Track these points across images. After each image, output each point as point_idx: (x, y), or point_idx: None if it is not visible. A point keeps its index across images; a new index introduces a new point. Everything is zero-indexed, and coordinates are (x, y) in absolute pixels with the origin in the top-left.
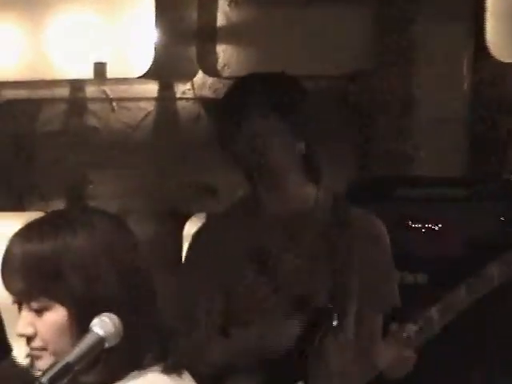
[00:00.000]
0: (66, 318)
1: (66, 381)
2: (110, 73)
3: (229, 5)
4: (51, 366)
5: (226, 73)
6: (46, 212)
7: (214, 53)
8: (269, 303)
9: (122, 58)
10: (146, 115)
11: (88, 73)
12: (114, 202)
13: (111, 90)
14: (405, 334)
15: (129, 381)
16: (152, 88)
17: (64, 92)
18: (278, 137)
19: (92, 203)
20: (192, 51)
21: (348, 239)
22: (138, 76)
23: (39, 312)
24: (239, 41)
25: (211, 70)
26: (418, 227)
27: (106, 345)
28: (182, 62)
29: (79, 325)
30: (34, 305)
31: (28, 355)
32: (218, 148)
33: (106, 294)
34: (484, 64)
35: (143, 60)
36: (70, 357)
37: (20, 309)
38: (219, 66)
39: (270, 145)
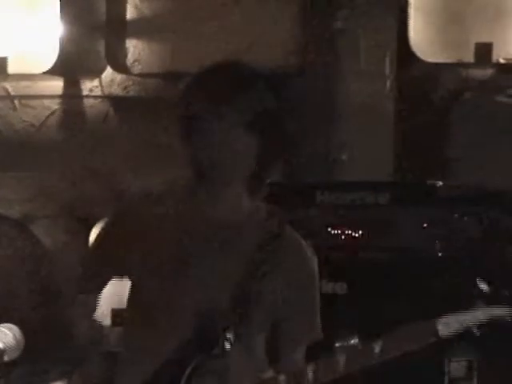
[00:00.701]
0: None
1: None
2: (12, 68)
3: None
4: None
5: (137, 69)
6: None
7: (124, 48)
8: (174, 307)
9: (25, 53)
10: (51, 114)
11: None
12: (16, 206)
13: (13, 87)
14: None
15: None
16: (57, 85)
17: None
18: (235, 142)
19: None
20: (100, 46)
21: (276, 258)
22: (41, 72)
23: None
24: (151, 35)
25: (120, 67)
26: (338, 234)
27: (6, 358)
28: (89, 57)
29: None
30: None
31: None
32: (127, 148)
33: (14, 303)
34: (408, 64)
35: (48, 54)
36: None
37: None
38: (129, 62)
39: (227, 148)
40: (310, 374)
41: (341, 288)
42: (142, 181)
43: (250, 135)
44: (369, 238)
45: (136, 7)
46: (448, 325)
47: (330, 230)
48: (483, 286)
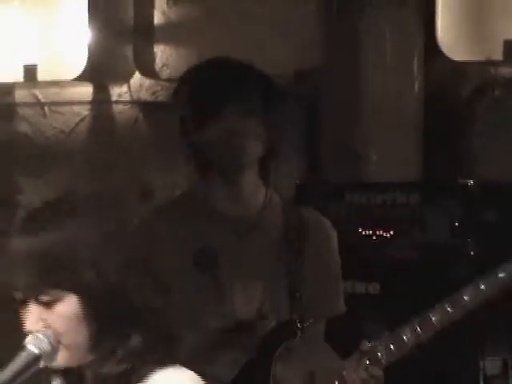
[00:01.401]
0: (78, 308)
1: None
2: (42, 75)
3: (167, 3)
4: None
5: (165, 74)
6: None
7: (152, 53)
8: (211, 307)
9: (54, 60)
10: (81, 120)
11: (18, 76)
12: None
13: (43, 94)
14: (375, 354)
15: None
16: (86, 91)
17: None
18: (248, 137)
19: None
20: (128, 51)
21: (298, 240)
22: (71, 79)
23: (49, 305)
24: (178, 40)
25: (149, 72)
26: (369, 234)
27: (42, 363)
28: (117, 63)
29: (92, 313)
30: (44, 298)
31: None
32: (156, 151)
33: (115, 278)
34: (435, 62)
35: (77, 61)
36: (3, 376)
37: (22, 305)
38: (157, 66)
39: (240, 144)
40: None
41: (374, 288)
42: (167, 184)
43: (249, 123)
44: (400, 238)
45: (163, 12)
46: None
47: (361, 230)
48: None
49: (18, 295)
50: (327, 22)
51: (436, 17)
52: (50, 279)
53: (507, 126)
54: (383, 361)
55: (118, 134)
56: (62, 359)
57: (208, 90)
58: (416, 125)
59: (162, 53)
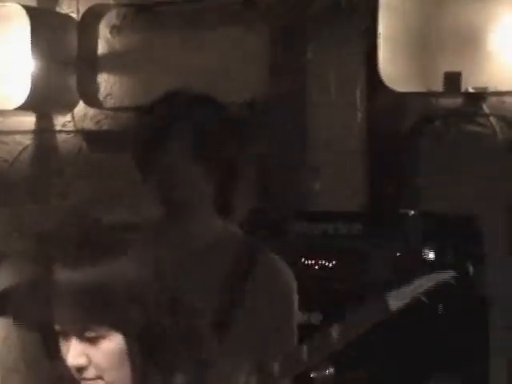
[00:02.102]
0: (123, 345)
1: None
2: None
3: (110, 32)
4: None
5: (109, 103)
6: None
7: (96, 82)
8: None
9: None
10: (24, 149)
11: None
12: None
13: None
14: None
15: None
16: (29, 120)
17: None
18: (194, 169)
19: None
20: (72, 81)
21: (252, 282)
22: (13, 107)
23: (93, 341)
24: (122, 69)
25: (93, 101)
26: (311, 264)
27: None
28: (61, 92)
29: (136, 351)
30: (89, 334)
31: None
32: (101, 181)
33: (159, 316)
34: (378, 94)
35: (19, 90)
36: None
37: (64, 338)
38: (101, 96)
39: (184, 177)
40: (277, 366)
41: (316, 318)
42: (115, 214)
43: (199, 162)
44: (342, 268)
45: (107, 41)
46: (397, 297)
47: (303, 260)
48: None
49: (60, 329)
50: (275, 55)
51: (378, 49)
52: (96, 316)
53: (447, 158)
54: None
55: (61, 163)
56: None
57: (157, 124)
58: (361, 156)
59: (105, 82)
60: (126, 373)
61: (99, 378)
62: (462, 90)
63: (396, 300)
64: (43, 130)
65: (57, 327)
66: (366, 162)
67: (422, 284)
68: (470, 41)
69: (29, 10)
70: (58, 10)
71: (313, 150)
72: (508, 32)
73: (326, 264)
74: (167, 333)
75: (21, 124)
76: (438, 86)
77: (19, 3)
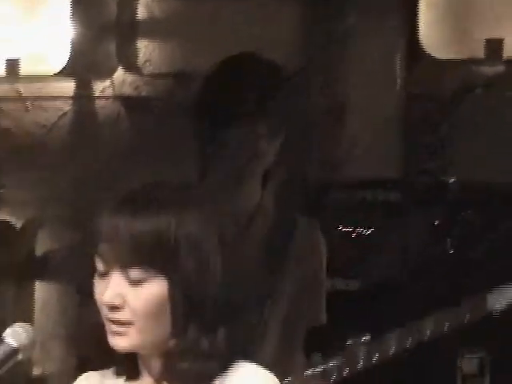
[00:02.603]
0: (165, 293)
1: None
2: (24, 70)
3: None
4: None
5: (148, 70)
6: None
7: (135, 48)
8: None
9: (37, 54)
10: (63, 115)
11: (1, 70)
12: (29, 207)
13: (25, 89)
14: (322, 368)
15: (241, 370)
16: (69, 86)
17: None
18: (258, 145)
19: (4, 208)
20: (111, 47)
21: (286, 245)
22: (53, 73)
23: (136, 282)
24: (162, 36)
25: (132, 67)
26: (349, 231)
27: (20, 356)
28: (100, 58)
29: (177, 302)
30: (134, 273)
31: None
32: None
33: (211, 272)
34: (418, 61)
35: (59, 56)
36: None
37: (104, 276)
38: (140, 62)
39: (250, 151)
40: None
41: (354, 285)
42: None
43: (266, 134)
44: (380, 236)
45: (147, 7)
46: (497, 300)
47: (341, 227)
48: None
49: (102, 266)
50: (313, 22)
51: (418, 16)
52: (147, 257)
53: (488, 125)
54: (329, 376)
55: (99, 129)
56: (130, 342)
57: (224, 91)
58: (399, 123)
59: (145, 48)
60: (159, 323)
61: (130, 323)
62: (504, 57)
63: (496, 301)
64: (82, 96)
65: (100, 265)
66: (406, 129)
67: None
68: None
69: None
70: None
71: (352, 118)
72: None
73: (364, 232)
74: (213, 290)
75: (60, 90)
76: (480, 53)
77: None
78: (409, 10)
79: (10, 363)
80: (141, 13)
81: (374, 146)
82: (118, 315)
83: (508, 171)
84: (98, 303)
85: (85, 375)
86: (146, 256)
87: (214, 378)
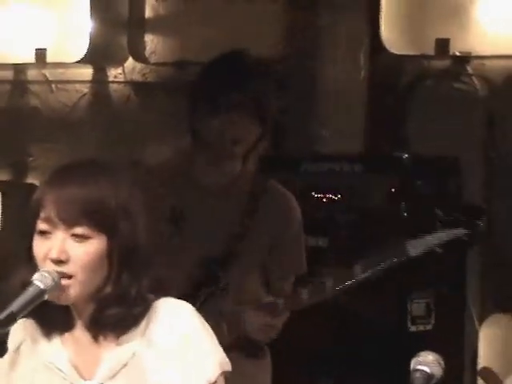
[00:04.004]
0: (105, 248)
1: (10, 328)
2: (50, 58)
3: None
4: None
5: (153, 59)
6: None
7: (143, 41)
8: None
9: (61, 45)
10: (82, 96)
11: (30, 58)
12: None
13: (50, 74)
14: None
15: (160, 305)
16: (87, 72)
17: (8, 75)
18: (245, 128)
19: (32, 174)
20: (123, 39)
21: (263, 208)
22: (74, 61)
23: (81, 239)
24: (165, 31)
25: (140, 57)
26: (320, 197)
27: (46, 297)
28: (114, 49)
29: (114, 256)
30: (79, 230)
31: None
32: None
33: (139, 232)
34: (379, 56)
35: (80, 46)
36: (14, 306)
37: (46, 235)
38: (147, 53)
39: (236, 134)
40: (302, 297)
41: (324, 242)
42: (153, 151)
43: (254, 120)
44: (346, 201)
45: (153, 7)
46: (416, 246)
47: (314, 193)
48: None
49: (46, 226)
50: (295, 18)
51: (380, 18)
52: (91, 219)
53: (437, 111)
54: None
55: (112, 109)
56: (72, 293)
57: (213, 83)
58: (362, 108)
59: (151, 41)
60: (97, 275)
61: (72, 276)
62: (450, 53)
63: (415, 248)
64: (98, 81)
65: (43, 226)
66: (367, 112)
67: (440, 237)
68: (458, 11)
69: None
70: None
71: (322, 102)
72: (488, 5)
73: (333, 197)
74: (141, 247)
75: (79, 75)
76: (431, 50)
77: None
78: (372, 12)
79: (37, 302)
80: (148, 12)
81: (341, 126)
82: (62, 268)
83: (451, 147)
84: (39, 260)
85: (21, 321)
86: (91, 218)
87: (139, 319)
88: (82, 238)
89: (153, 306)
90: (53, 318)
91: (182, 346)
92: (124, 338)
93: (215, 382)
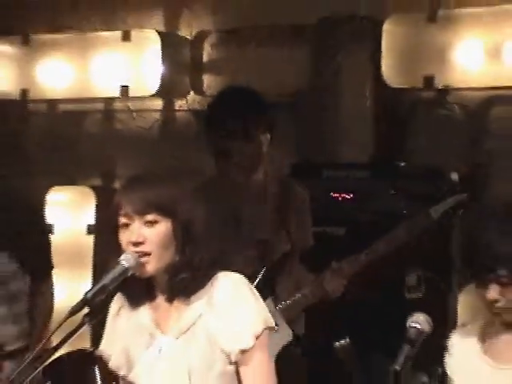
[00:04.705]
0: (170, 229)
1: (103, 297)
2: (131, 93)
3: (210, 47)
4: (93, 286)
5: (209, 92)
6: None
7: (201, 79)
8: (239, 241)
9: (139, 83)
10: (155, 122)
11: (116, 93)
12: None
13: (132, 105)
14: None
15: (220, 277)
16: (159, 103)
17: (100, 106)
18: (262, 146)
19: (117, 181)
20: (186, 78)
21: (287, 200)
22: (149, 95)
23: (151, 224)
24: (217, 70)
25: (199, 91)
26: (337, 196)
27: (130, 273)
28: (179, 85)
29: (178, 235)
30: (149, 217)
31: (137, 263)
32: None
33: (197, 216)
34: (381, 88)
35: (153, 84)
36: (105, 280)
37: (126, 226)
38: (204, 87)
39: (254, 151)
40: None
41: (340, 231)
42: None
43: (267, 142)
44: (357, 200)
45: (208, 53)
46: (437, 209)
47: (331, 193)
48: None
49: (125, 219)
50: (317, 61)
51: (382, 60)
52: (159, 209)
53: (426, 131)
54: (346, 274)
55: (178, 132)
56: (150, 267)
57: (220, 111)
58: (368, 128)
59: (207, 79)
60: (167, 251)
61: (149, 254)
62: (436, 87)
63: (437, 211)
64: (167, 110)
65: (123, 220)
66: (372, 132)
67: (448, 203)
68: (441, 54)
69: (160, 33)
70: (179, 33)
71: (339, 124)
72: (464, 48)
73: (347, 196)
74: (199, 227)
75: (153, 106)
76: (420, 84)
77: (155, 29)
78: (375, 56)
79: (123, 277)
80: (204, 57)
81: (353, 142)
82: (141, 249)
83: (437, 158)
84: (124, 246)
85: (118, 294)
86: (156, 208)
87: (203, 284)
88: (152, 223)
89: (214, 277)
90: (139, 291)
91: (235, 307)
92: (193, 302)
93: (261, 335)
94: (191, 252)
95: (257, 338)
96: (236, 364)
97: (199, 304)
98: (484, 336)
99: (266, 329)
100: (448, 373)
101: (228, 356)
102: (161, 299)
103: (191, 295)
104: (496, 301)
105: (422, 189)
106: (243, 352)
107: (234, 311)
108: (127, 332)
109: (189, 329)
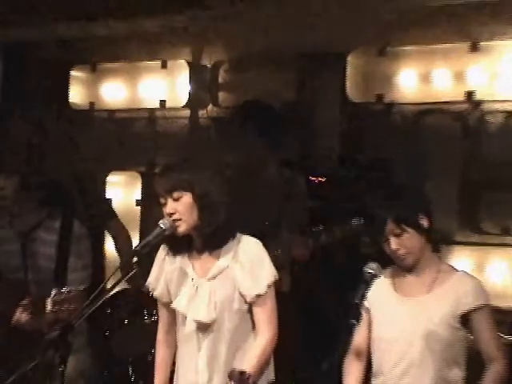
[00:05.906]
0: (191, 201)
1: (148, 249)
2: (168, 104)
3: (224, 71)
4: (140, 242)
5: (223, 105)
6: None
7: (217, 95)
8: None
9: (173, 98)
10: (184, 126)
11: (156, 104)
12: None
13: (168, 114)
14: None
15: (241, 238)
16: (187, 113)
17: (145, 114)
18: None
19: (157, 168)
20: (207, 94)
21: (288, 186)
22: (180, 106)
23: (177, 199)
24: (230, 88)
25: (216, 104)
26: (313, 179)
27: (166, 232)
28: (201, 99)
29: (199, 206)
30: (175, 194)
31: (171, 226)
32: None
33: (213, 190)
34: (346, 104)
35: (183, 98)
36: (149, 237)
37: (164, 203)
38: (220, 101)
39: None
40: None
41: (317, 204)
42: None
43: (275, 147)
44: (329, 183)
45: (222, 75)
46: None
47: (311, 177)
48: None
49: (162, 199)
50: (299, 80)
51: (346, 82)
52: (181, 187)
53: (378, 133)
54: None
55: (201, 133)
56: (182, 228)
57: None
58: (338, 139)
59: (222, 95)
60: (192, 216)
61: (180, 219)
62: (384, 102)
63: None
64: (193, 117)
65: (162, 200)
66: (342, 141)
67: None
68: (388, 78)
69: (188, 62)
70: (201, 62)
71: (316, 136)
72: (404, 75)
73: (321, 179)
74: (215, 198)
75: (183, 114)
76: (373, 99)
77: (185, 59)
78: (342, 79)
79: (162, 236)
80: (220, 78)
81: (328, 149)
82: (174, 217)
83: (384, 152)
84: (165, 215)
85: (163, 246)
86: (179, 186)
87: (225, 241)
88: (178, 198)
89: (238, 238)
90: (179, 245)
91: (254, 262)
92: (222, 256)
93: (272, 284)
94: (208, 215)
95: (269, 286)
96: (250, 304)
97: (227, 258)
98: (394, 277)
99: (274, 280)
100: (366, 304)
101: (244, 297)
102: (196, 251)
103: (216, 248)
104: (397, 250)
105: (373, 175)
106: (258, 296)
107: (253, 266)
108: (170, 273)
109: (218, 275)
